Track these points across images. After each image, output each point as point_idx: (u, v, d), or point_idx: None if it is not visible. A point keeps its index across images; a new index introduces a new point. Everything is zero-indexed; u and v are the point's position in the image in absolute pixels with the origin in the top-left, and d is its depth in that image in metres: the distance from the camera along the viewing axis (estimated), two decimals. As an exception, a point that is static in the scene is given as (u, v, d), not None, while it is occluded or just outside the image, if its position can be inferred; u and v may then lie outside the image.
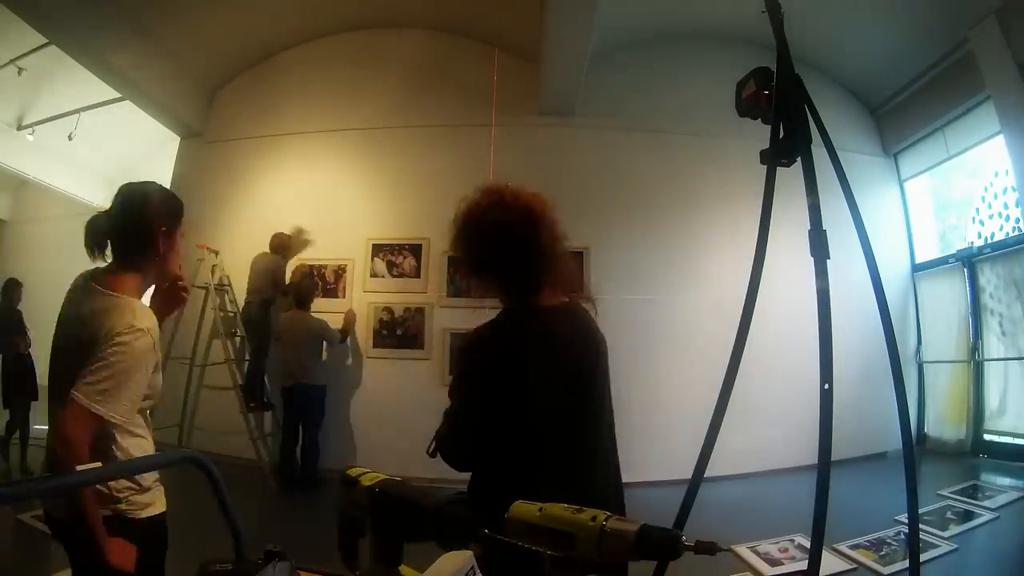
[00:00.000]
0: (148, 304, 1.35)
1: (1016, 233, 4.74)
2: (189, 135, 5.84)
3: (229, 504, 0.83)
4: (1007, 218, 4.88)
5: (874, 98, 5.87)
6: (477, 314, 1.19)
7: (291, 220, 5.22)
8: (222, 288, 4.99)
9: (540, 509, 0.70)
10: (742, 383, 1.59)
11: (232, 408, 4.58)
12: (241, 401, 4.55)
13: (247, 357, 4.85)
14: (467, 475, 1.16)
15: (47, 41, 4.84)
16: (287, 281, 4.90)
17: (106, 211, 1.32)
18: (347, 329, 4.80)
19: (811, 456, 1.35)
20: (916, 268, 5.75)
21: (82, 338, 1.20)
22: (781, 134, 1.26)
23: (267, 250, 4.89)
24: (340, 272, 5.08)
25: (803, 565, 1.17)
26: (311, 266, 5.11)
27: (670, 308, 4.88)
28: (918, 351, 5.58)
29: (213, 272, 4.94)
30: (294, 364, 4.44)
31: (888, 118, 5.85)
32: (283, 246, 4.95)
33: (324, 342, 4.62)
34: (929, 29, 4.84)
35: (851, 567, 2.86)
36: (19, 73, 5.85)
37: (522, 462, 1.10)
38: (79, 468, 0.79)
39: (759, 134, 1.34)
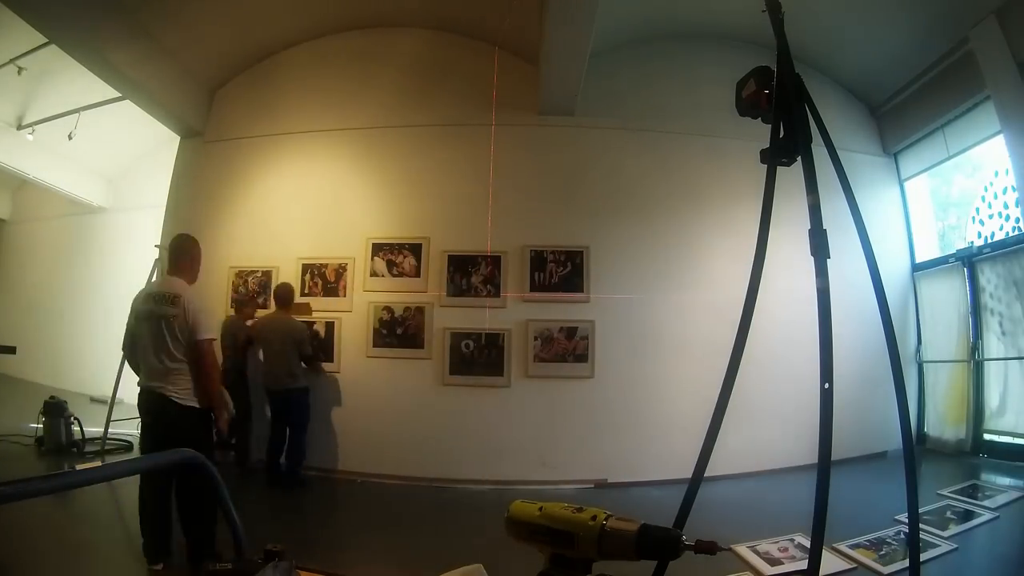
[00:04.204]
0: None
1: (1016, 233, 4.74)
2: (189, 135, 5.83)
3: (229, 504, 0.83)
4: (1007, 218, 4.88)
5: (874, 98, 5.86)
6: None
7: (291, 221, 5.23)
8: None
9: (540, 508, 0.70)
10: (742, 382, 1.59)
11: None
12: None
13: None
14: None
15: (47, 41, 4.84)
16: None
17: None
18: (318, 355, 4.67)
19: (811, 456, 1.35)
20: (916, 268, 5.75)
21: None
22: (781, 133, 1.26)
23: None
24: (340, 271, 5.08)
25: (803, 564, 1.17)
26: (309, 265, 5.13)
27: (670, 307, 4.88)
28: (918, 351, 5.58)
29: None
30: (275, 368, 4.39)
31: (888, 118, 5.85)
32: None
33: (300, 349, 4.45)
34: (929, 29, 4.84)
35: (851, 567, 2.86)
36: (19, 73, 5.86)
37: None
38: (79, 468, 0.79)
39: (759, 133, 1.34)
